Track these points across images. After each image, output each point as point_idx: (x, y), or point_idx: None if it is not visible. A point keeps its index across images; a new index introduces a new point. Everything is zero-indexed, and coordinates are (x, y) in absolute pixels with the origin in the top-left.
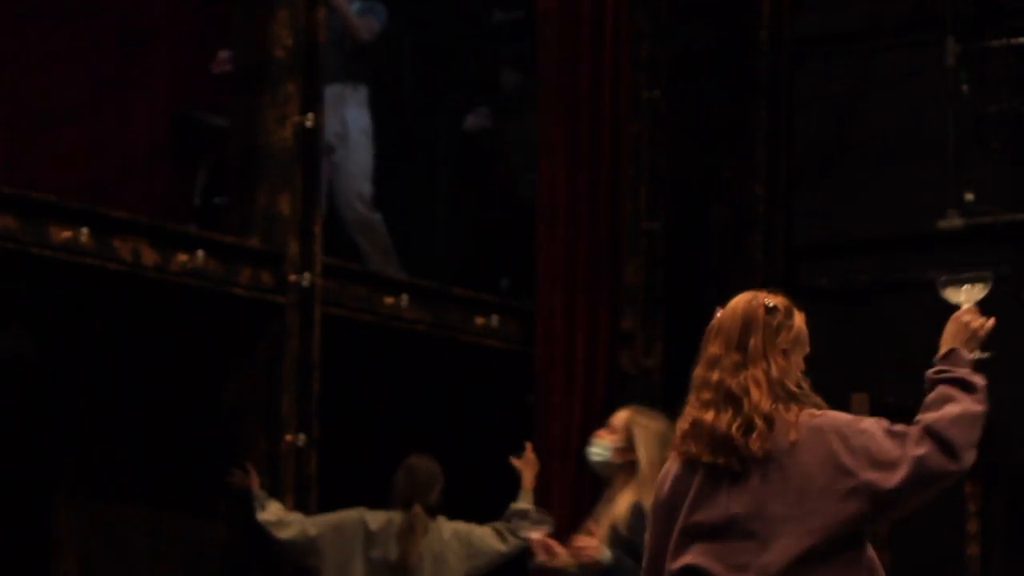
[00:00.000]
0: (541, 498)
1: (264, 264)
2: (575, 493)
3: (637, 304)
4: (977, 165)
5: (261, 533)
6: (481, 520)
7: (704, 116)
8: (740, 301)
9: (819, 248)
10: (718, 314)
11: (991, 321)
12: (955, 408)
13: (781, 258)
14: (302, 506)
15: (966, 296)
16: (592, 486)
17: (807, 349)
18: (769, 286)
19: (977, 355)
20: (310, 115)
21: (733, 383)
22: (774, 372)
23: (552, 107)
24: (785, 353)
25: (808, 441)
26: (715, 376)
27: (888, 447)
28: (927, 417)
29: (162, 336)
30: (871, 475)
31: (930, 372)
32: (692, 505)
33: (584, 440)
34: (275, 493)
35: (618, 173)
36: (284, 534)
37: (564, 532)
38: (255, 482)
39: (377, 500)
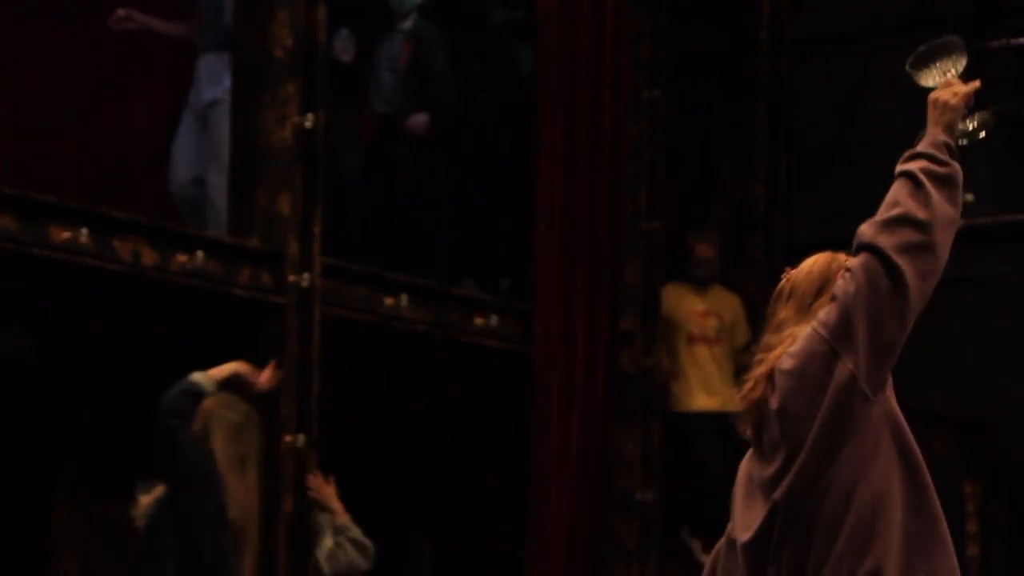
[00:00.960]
0: (540, 498)
1: (264, 264)
2: (574, 493)
3: (637, 304)
4: (977, 165)
5: (260, 534)
6: (483, 520)
7: (704, 116)
8: (817, 262)
9: (819, 248)
10: (788, 275)
11: (970, 85)
12: (894, 211)
13: (781, 258)
14: (302, 506)
15: (937, 77)
16: (591, 486)
17: None
18: (770, 286)
19: (962, 127)
20: (310, 115)
21: None
22: None
23: (552, 107)
24: None
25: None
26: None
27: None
28: (865, 232)
29: (162, 336)
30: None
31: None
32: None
33: (585, 440)
34: (275, 494)
35: (618, 173)
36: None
37: (564, 532)
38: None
39: (376, 501)
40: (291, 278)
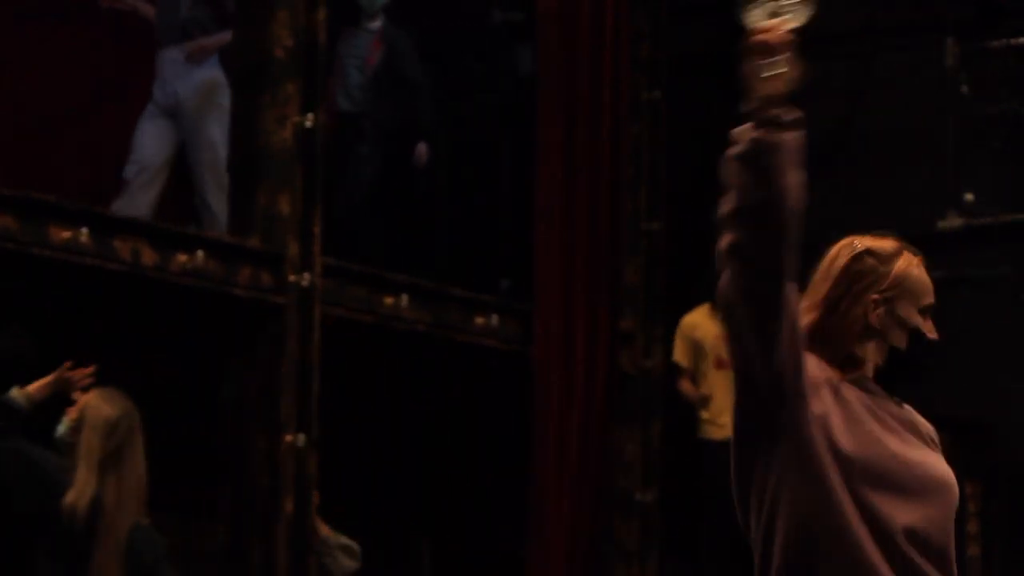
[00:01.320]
0: (540, 498)
1: (264, 264)
2: (574, 493)
3: (637, 304)
4: (977, 165)
5: (260, 534)
6: (483, 520)
7: (704, 116)
8: (836, 245)
9: (819, 248)
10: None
11: (772, 32)
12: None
13: None
14: (302, 507)
15: (763, 16)
16: (591, 486)
17: (925, 300)
18: None
19: (763, 74)
20: (310, 115)
21: None
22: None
23: (552, 107)
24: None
25: None
26: None
27: None
28: None
29: (162, 336)
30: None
31: None
32: None
33: (585, 440)
34: (275, 494)
35: (618, 173)
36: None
37: (564, 532)
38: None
39: (376, 500)
40: (291, 278)
